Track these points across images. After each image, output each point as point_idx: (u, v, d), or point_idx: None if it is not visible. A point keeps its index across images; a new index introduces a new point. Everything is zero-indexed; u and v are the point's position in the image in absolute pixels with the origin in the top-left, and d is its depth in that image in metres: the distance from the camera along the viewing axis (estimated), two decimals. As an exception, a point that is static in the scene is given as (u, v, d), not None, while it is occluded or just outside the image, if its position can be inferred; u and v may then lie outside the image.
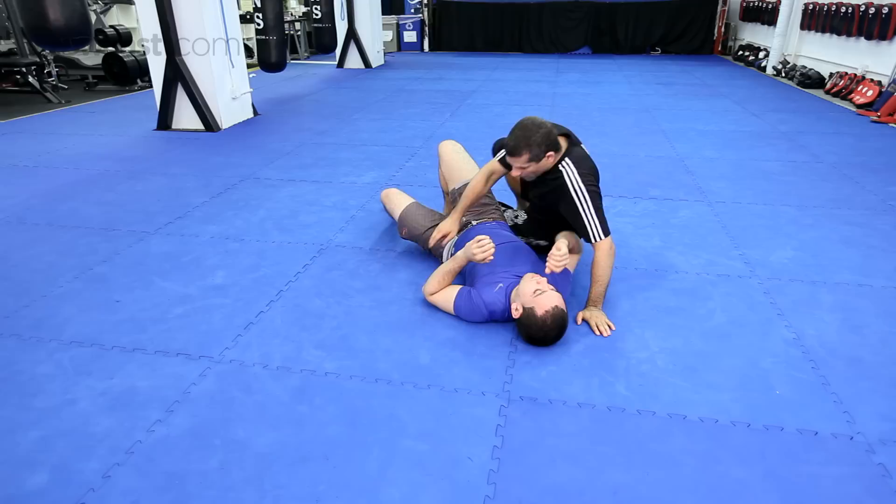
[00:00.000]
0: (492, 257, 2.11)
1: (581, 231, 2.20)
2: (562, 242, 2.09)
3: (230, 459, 1.55)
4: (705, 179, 3.82)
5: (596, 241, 2.15)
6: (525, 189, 2.64)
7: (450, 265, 2.23)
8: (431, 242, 2.26)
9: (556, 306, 1.95)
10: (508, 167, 2.31)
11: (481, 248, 2.09)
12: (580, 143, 2.31)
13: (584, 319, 2.16)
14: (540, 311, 1.93)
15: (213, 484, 1.47)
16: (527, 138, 2.09)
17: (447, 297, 2.20)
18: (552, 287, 2.02)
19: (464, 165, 2.75)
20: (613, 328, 2.13)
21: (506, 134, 2.21)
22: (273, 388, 1.82)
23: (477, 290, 2.15)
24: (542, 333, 1.96)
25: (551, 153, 2.14)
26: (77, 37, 4.57)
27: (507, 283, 2.12)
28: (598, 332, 2.10)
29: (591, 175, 2.21)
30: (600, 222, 2.15)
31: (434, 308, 2.27)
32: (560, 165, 2.19)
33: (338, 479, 1.49)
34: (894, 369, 1.92)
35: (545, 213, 2.43)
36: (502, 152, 2.31)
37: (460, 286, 2.21)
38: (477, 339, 2.08)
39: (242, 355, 1.99)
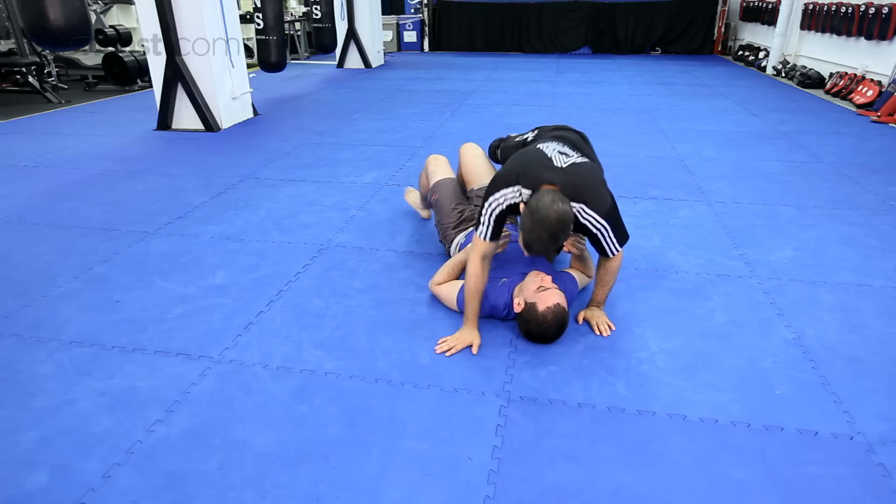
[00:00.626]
0: (506, 246, 2.10)
1: (600, 250, 2.08)
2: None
3: (230, 459, 1.55)
4: (705, 179, 3.82)
5: (612, 255, 2.05)
6: None
7: (461, 256, 2.25)
8: (445, 350, 2.02)
9: (558, 304, 1.95)
10: (495, 238, 2.04)
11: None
12: (570, 162, 2.00)
13: (584, 319, 2.16)
14: (541, 307, 1.94)
15: (213, 484, 1.47)
16: (554, 239, 1.85)
17: (451, 289, 2.21)
18: (556, 286, 2.02)
19: (483, 171, 2.65)
20: (613, 328, 2.13)
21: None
22: (273, 388, 1.82)
23: None
24: (541, 330, 1.96)
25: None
26: (77, 37, 4.57)
27: (511, 279, 2.13)
28: (598, 332, 2.10)
29: (602, 203, 1.95)
30: (618, 241, 2.02)
31: (434, 308, 2.27)
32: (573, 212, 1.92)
33: (338, 479, 1.49)
34: (894, 369, 1.92)
35: None
36: (486, 230, 2.01)
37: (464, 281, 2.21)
38: (477, 339, 2.08)
39: (242, 355, 1.99)
